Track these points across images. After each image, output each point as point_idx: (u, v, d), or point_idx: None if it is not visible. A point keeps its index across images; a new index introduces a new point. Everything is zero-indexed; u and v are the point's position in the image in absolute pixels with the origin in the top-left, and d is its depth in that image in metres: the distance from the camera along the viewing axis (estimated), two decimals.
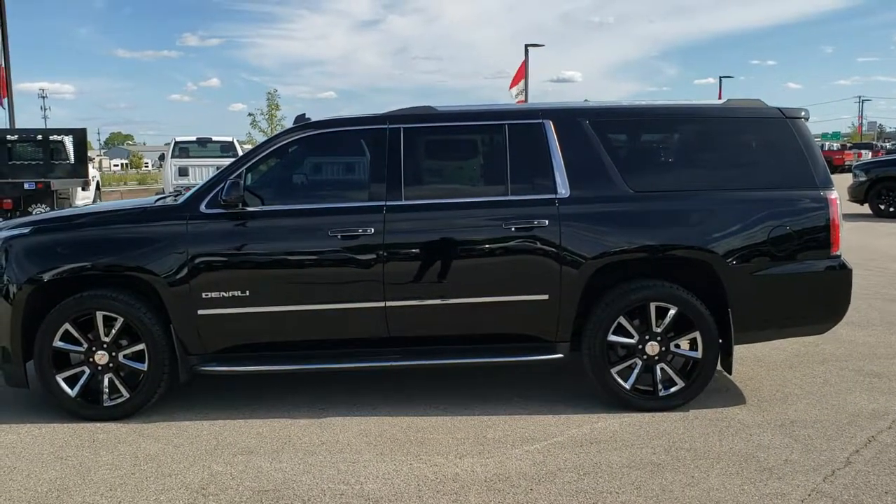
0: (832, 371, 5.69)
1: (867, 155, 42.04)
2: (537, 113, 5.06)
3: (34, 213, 12.78)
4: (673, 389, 4.88)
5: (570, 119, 5.01)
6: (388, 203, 4.84)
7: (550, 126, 4.97)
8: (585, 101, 5.36)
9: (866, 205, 17.61)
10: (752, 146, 5.13)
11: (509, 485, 3.86)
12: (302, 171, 5.60)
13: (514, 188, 4.90)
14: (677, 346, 4.89)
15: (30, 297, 4.78)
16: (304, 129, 5.12)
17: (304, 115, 5.52)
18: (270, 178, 5.26)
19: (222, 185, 4.81)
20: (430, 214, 4.88)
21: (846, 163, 41.34)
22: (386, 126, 4.99)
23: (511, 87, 26.34)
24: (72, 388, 4.83)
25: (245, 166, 4.94)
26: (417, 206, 4.89)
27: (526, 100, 24.54)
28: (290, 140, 5.08)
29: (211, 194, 4.87)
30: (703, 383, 4.90)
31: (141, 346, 4.81)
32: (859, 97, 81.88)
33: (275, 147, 5.07)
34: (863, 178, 17.68)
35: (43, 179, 13.78)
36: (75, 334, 4.80)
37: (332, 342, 4.98)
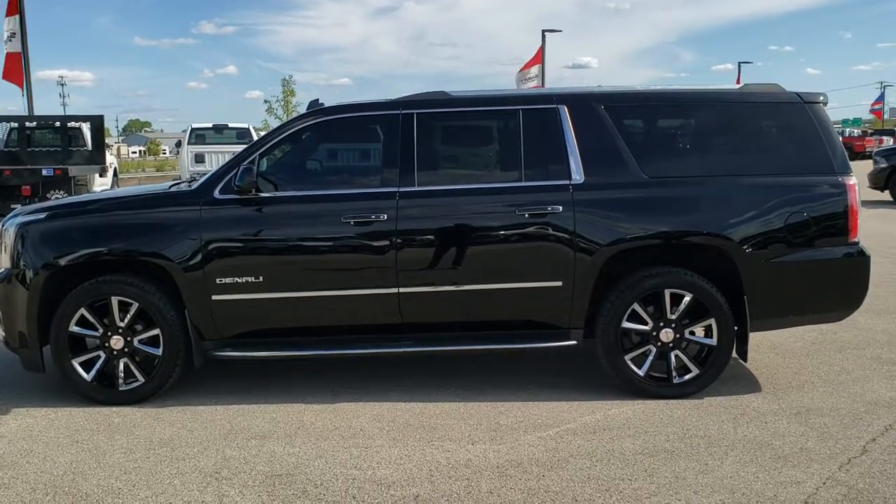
0: (849, 359, 5.63)
1: (888, 141, 41.50)
2: (552, 98, 5.02)
3: (52, 199, 12.86)
4: (687, 377, 4.85)
5: (585, 104, 4.96)
6: (402, 189, 4.82)
7: (565, 111, 4.93)
8: (599, 86, 5.29)
9: (887, 192, 17.39)
10: (769, 131, 5.06)
11: (521, 471, 3.86)
12: (315, 156, 5.60)
13: (527, 174, 4.87)
14: (692, 333, 4.86)
15: (46, 283, 4.81)
16: (317, 115, 5.10)
17: (318, 100, 5.50)
18: (283, 163, 5.27)
19: (235, 170, 4.81)
20: (444, 201, 4.86)
21: (867, 149, 40.77)
22: (399, 111, 4.96)
23: (522, 70, 26.05)
24: (88, 372, 4.87)
25: (258, 152, 4.93)
26: (430, 192, 4.87)
27: (542, 86, 24.31)
28: (303, 126, 5.07)
29: (224, 180, 4.87)
30: (717, 371, 4.86)
31: (156, 332, 4.84)
32: (881, 83, 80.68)
33: (288, 133, 5.06)
34: (883, 165, 17.45)
35: (61, 166, 13.84)
36: (91, 319, 4.84)
37: (346, 328, 4.99)
